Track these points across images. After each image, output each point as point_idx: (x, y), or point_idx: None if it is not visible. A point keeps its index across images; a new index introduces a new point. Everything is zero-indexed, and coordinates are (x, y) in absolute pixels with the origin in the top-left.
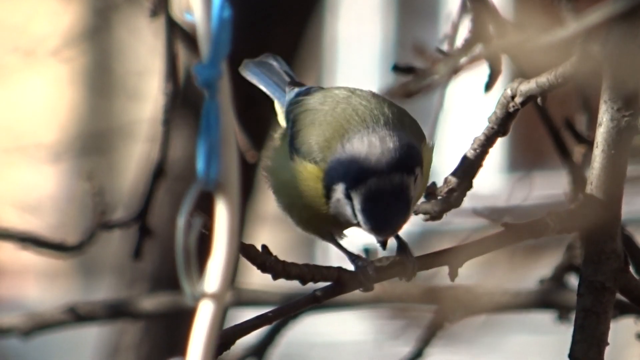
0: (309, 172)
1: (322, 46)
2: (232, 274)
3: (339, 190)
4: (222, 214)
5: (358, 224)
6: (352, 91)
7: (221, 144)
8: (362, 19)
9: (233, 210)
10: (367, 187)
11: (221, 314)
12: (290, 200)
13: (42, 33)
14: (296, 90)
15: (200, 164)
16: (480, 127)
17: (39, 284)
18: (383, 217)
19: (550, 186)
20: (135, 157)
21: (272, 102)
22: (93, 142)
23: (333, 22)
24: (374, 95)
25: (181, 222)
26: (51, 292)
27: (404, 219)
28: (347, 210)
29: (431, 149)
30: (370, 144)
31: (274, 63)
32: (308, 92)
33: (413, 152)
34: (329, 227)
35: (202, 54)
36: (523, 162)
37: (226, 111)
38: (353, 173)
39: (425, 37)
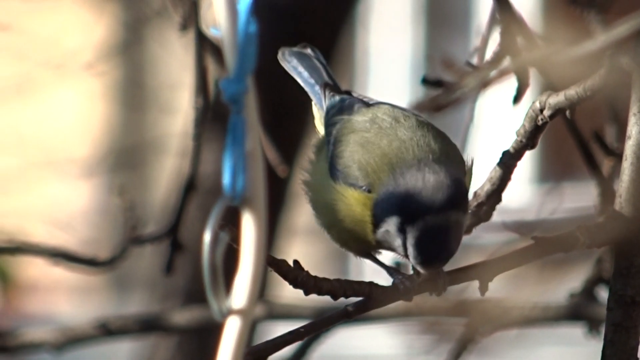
0: (355, 199)
1: (353, 59)
2: (259, 289)
3: (392, 223)
4: (248, 229)
5: (405, 255)
6: (397, 119)
7: (247, 159)
8: (393, 31)
9: (260, 224)
10: (423, 224)
11: (248, 330)
12: (330, 219)
13: (73, 46)
14: (337, 98)
15: (226, 179)
16: (509, 140)
17: (71, 299)
18: (435, 253)
19: (581, 197)
20: (167, 171)
21: (304, 109)
22: (125, 156)
23: (364, 35)
24: (418, 124)
25: (207, 236)
26: (83, 308)
27: (452, 255)
28: (396, 242)
29: (470, 171)
30: (425, 180)
31: (312, 55)
32: (351, 106)
33: (462, 188)
34: (363, 247)
35: (228, 68)
36: (553, 172)
37: (252, 126)
38: (409, 208)
39: (456, 50)
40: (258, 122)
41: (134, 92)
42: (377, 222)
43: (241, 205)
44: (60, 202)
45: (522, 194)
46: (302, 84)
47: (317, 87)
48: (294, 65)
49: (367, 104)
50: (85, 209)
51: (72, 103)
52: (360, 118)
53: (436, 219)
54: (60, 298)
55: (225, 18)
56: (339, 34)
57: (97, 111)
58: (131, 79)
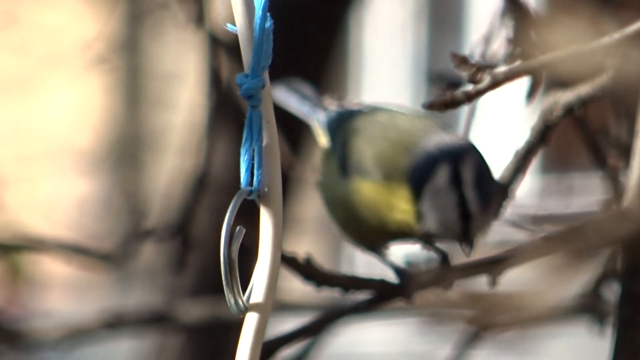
0: (372, 189)
1: (347, 59)
2: (275, 285)
3: (441, 178)
4: (265, 223)
5: (459, 208)
6: (394, 115)
7: (264, 154)
8: (391, 31)
9: (277, 219)
10: (476, 164)
11: (265, 325)
12: (345, 215)
13: (73, 40)
14: (335, 111)
15: (243, 174)
16: (511, 137)
17: (71, 296)
18: (489, 197)
19: (584, 188)
20: (168, 165)
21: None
22: (126, 150)
23: (358, 33)
24: (416, 117)
25: (224, 231)
26: (85, 305)
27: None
28: (449, 197)
29: None
30: (450, 138)
31: (299, 85)
32: (351, 114)
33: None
34: (380, 239)
35: (244, 64)
36: (557, 164)
37: (269, 120)
38: (457, 153)
39: (456, 48)
40: (274, 117)
41: (134, 86)
42: (417, 189)
43: (258, 200)
44: (61, 196)
45: (523, 184)
46: (296, 108)
47: (311, 107)
48: (284, 95)
49: (364, 110)
50: (85, 202)
51: (72, 96)
52: (361, 122)
53: (484, 165)
54: (60, 294)
55: (241, 13)
56: (336, 33)
57: (97, 104)
58: (131, 73)
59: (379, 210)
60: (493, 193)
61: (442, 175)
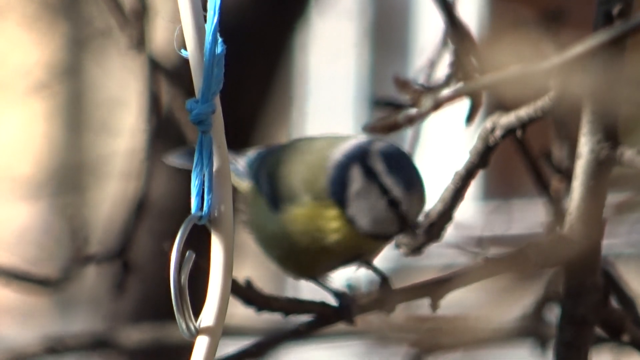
0: (303, 214)
1: (291, 83)
2: (226, 309)
3: (357, 181)
4: (217, 249)
5: (386, 200)
6: (311, 139)
7: (215, 179)
8: (335, 55)
9: (228, 244)
10: (384, 155)
11: (215, 349)
12: (283, 249)
13: (15, 67)
14: (254, 153)
15: (194, 199)
16: (454, 159)
17: (14, 322)
18: (412, 173)
19: (526, 215)
20: (109, 191)
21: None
22: (67, 176)
23: (303, 57)
24: (332, 137)
25: (174, 256)
26: (26, 330)
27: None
28: (373, 193)
29: None
30: (356, 141)
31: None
32: (271, 151)
33: None
34: (323, 266)
35: (195, 89)
36: (498, 190)
37: (220, 145)
38: (364, 153)
39: (400, 72)
40: (225, 141)
41: (75, 113)
42: (341, 200)
43: (209, 225)
44: (2, 222)
45: (466, 211)
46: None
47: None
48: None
49: (284, 145)
50: (26, 229)
51: (14, 122)
52: (281, 154)
53: (392, 149)
54: (1, 320)
55: (192, 38)
56: (280, 58)
57: (39, 131)
58: (73, 100)
59: (316, 236)
60: (414, 171)
61: (355, 177)
